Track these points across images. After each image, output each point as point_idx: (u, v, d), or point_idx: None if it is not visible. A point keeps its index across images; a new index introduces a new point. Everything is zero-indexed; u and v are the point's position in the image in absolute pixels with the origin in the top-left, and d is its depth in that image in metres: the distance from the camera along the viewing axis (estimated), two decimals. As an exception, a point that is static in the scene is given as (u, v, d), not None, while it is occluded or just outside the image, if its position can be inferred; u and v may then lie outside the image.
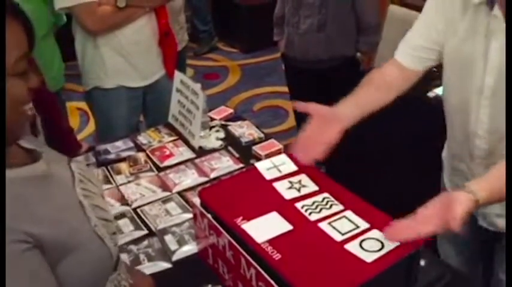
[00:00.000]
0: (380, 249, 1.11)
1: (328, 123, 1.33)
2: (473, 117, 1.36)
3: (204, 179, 1.72)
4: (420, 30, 1.44)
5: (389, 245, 1.11)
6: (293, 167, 1.40)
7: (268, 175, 1.37)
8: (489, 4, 1.26)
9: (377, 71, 1.51)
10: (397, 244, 1.11)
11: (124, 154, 1.85)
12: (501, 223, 1.44)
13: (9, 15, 0.80)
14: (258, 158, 1.80)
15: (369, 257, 1.09)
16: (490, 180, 1.16)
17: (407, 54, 1.46)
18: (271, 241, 1.15)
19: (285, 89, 3.04)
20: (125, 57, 2.19)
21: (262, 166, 1.41)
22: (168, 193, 1.65)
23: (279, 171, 1.39)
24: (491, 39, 1.27)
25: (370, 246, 1.12)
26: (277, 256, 1.10)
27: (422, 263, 1.20)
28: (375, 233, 1.16)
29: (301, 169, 1.39)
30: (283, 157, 1.45)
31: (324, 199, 1.28)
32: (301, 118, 3.08)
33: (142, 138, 1.96)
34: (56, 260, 0.85)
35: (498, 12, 1.24)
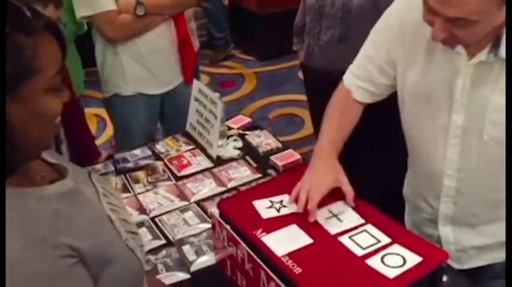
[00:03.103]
0: (402, 265, 1.09)
1: None
2: (439, 155, 1.29)
3: (222, 188, 1.71)
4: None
5: (412, 261, 1.10)
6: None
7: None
8: None
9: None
10: (420, 259, 1.10)
11: (142, 163, 1.85)
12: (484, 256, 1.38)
13: (47, 32, 0.81)
14: (276, 169, 1.79)
15: (391, 273, 1.07)
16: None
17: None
18: (291, 254, 1.14)
19: (301, 97, 3.03)
20: (144, 64, 2.19)
21: None
22: (186, 203, 1.65)
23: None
24: (456, 78, 1.21)
25: (392, 261, 1.10)
26: (297, 270, 1.09)
27: (445, 279, 1.18)
28: (397, 248, 1.14)
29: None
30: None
31: (344, 212, 1.27)
32: (319, 127, 3.05)
33: (160, 147, 1.96)
34: (96, 274, 0.86)
35: (461, 49, 1.18)
